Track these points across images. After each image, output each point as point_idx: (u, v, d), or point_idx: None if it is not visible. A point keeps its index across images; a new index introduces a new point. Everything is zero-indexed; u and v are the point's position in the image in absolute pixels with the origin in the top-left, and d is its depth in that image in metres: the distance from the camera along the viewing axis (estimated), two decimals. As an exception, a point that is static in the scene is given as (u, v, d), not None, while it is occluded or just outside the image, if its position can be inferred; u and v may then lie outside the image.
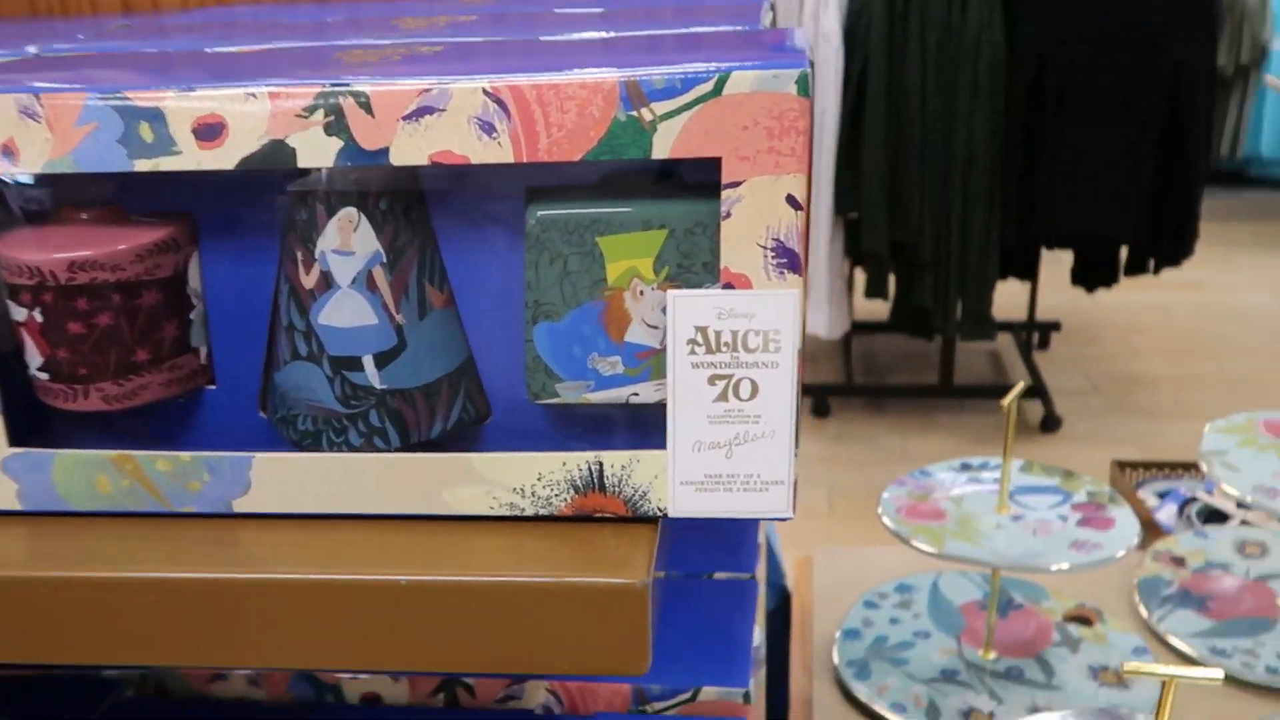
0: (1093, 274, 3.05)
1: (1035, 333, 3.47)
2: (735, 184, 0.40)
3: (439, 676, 0.63)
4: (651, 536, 0.44)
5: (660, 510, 0.44)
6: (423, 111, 0.41)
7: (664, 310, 0.42)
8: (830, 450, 3.03)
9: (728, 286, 0.41)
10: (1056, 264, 3.13)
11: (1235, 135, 4.61)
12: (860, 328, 3.41)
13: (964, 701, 1.03)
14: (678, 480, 0.43)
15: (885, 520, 1.02)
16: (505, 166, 0.42)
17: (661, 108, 0.40)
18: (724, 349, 0.42)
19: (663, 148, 0.40)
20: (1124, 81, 2.62)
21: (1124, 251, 2.96)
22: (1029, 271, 3.10)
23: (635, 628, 0.42)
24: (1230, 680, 1.06)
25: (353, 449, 0.45)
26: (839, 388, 3.24)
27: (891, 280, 2.91)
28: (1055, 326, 3.56)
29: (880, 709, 1.02)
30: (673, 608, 0.68)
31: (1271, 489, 1.08)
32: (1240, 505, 1.09)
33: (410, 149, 0.41)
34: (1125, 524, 1.00)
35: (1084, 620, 1.14)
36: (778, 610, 1.27)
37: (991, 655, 1.08)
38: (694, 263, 0.42)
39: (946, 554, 0.97)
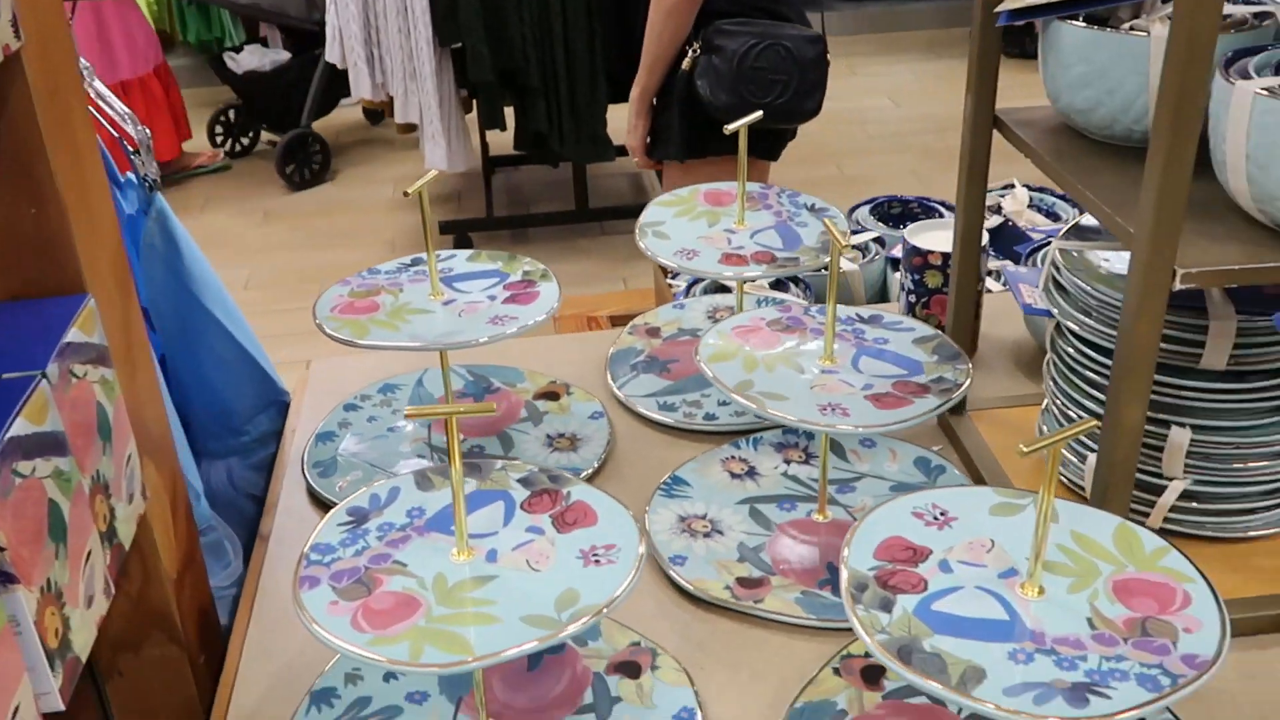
0: (708, 88, 3.14)
1: (671, 152, 3.57)
2: None
3: None
4: None
5: None
6: None
7: None
8: (472, 286, 3.05)
9: None
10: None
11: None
12: (500, 161, 3.42)
13: (422, 482, 1.08)
14: None
15: (316, 319, 1.03)
16: None
17: None
18: None
19: None
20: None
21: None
22: (648, 91, 3.16)
23: None
24: (675, 430, 1.16)
25: None
26: (479, 222, 3.26)
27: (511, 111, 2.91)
28: (691, 144, 3.68)
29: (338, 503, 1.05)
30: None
31: (690, 250, 1.16)
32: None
33: None
34: (547, 298, 1.06)
35: (552, 395, 1.21)
36: (280, 430, 1.28)
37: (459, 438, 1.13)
38: None
39: (368, 343, 1.00)
